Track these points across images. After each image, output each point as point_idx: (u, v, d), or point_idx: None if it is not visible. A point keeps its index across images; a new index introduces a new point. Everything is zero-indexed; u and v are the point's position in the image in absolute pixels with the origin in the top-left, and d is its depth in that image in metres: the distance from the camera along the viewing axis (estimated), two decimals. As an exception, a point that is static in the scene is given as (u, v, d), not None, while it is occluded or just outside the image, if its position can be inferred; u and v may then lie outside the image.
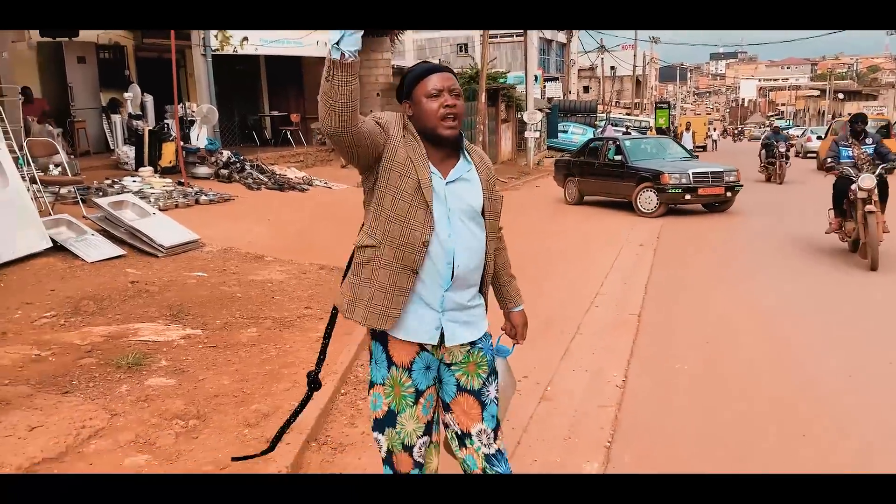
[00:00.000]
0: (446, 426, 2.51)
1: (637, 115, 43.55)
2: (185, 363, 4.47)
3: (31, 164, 8.07)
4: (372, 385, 2.45)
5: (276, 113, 18.27)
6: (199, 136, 13.05)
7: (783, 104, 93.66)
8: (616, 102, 56.17)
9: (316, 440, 3.58)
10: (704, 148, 37.15)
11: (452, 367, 2.43)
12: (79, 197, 8.31)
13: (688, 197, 12.19)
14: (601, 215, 12.91)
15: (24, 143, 8.04)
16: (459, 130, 2.32)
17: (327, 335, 2.56)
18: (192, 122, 12.98)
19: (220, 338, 5.02)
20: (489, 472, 2.45)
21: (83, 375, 4.18)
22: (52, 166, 9.44)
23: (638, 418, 4.06)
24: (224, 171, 11.87)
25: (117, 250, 7.05)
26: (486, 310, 2.52)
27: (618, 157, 13.37)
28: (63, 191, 8.58)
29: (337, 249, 7.98)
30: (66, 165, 9.15)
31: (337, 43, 1.99)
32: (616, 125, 31.97)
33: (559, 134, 30.31)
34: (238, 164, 12.34)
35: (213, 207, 9.69)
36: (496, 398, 2.49)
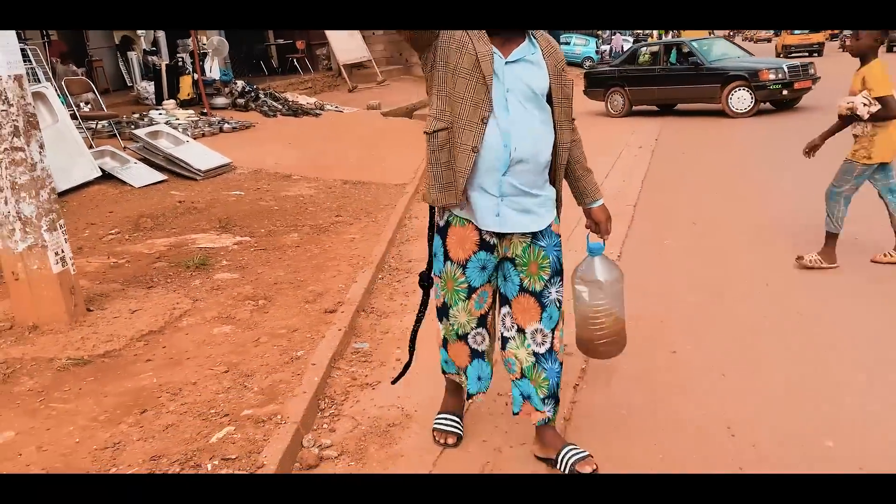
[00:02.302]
0: (502, 320, 2.56)
1: (639, 24, 43.11)
2: (242, 262, 5.22)
3: (70, 101, 8.69)
4: (434, 276, 2.58)
5: (281, 41, 18.60)
6: (212, 68, 13.52)
7: None
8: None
9: (364, 310, 4.34)
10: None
11: (517, 266, 2.43)
12: (115, 130, 8.95)
13: (785, 92, 12.22)
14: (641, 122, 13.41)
15: (63, 83, 8.63)
16: None
17: (431, 233, 2.56)
18: (205, 55, 13.44)
19: (268, 242, 5.75)
20: (534, 370, 2.50)
21: (160, 275, 4.94)
22: (82, 104, 10.07)
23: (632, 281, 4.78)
24: (240, 101, 12.42)
25: (159, 176, 7.76)
26: (560, 204, 2.53)
27: (687, 61, 13.27)
28: (98, 125, 9.21)
29: (356, 166, 8.72)
30: (97, 102, 9.77)
31: None
32: (615, 34, 31.89)
33: (562, 46, 30.29)
34: (252, 94, 12.86)
35: (235, 134, 10.31)
36: (559, 299, 2.49)
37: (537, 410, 2.60)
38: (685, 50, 13.60)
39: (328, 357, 3.54)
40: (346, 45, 17.11)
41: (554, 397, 2.60)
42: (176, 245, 5.68)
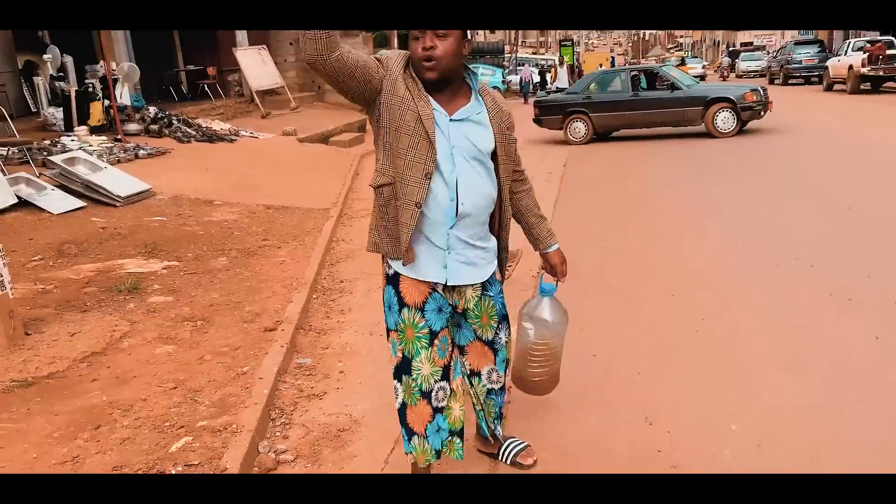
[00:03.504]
0: (456, 361, 2.58)
1: (542, 53, 44.67)
2: (174, 285, 5.30)
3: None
4: (388, 332, 2.49)
5: (192, 67, 18.44)
6: (123, 94, 13.34)
7: (682, 36, 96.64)
8: (523, 42, 57.08)
9: (303, 328, 4.52)
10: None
11: (469, 319, 2.51)
12: (28, 156, 8.77)
13: (762, 112, 13.23)
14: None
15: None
16: (452, 71, 2.30)
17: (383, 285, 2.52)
18: (115, 81, 13.24)
19: (197, 266, 5.84)
20: (487, 403, 2.67)
21: (92, 299, 4.97)
22: (-12, 130, 9.78)
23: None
24: (154, 127, 12.29)
25: (78, 202, 7.66)
26: (505, 255, 2.60)
27: (656, 87, 14.11)
28: (8, 152, 8.99)
29: (278, 191, 8.85)
30: (5, 128, 9.53)
31: None
32: (523, 65, 33.06)
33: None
34: (166, 119, 12.76)
35: (151, 161, 10.23)
36: (507, 342, 2.64)
37: (484, 435, 2.84)
38: (657, 75, 14.37)
39: (274, 371, 3.71)
40: (259, 71, 17.14)
41: (500, 416, 2.81)
42: (104, 270, 5.69)
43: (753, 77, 36.43)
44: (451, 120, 2.30)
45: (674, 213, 7.50)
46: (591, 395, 3.50)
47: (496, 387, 2.66)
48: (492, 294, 2.51)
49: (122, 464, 2.89)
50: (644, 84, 14.42)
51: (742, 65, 39.44)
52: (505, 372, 2.68)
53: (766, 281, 5.03)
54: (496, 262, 2.56)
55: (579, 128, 14.32)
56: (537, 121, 14.86)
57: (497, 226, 2.53)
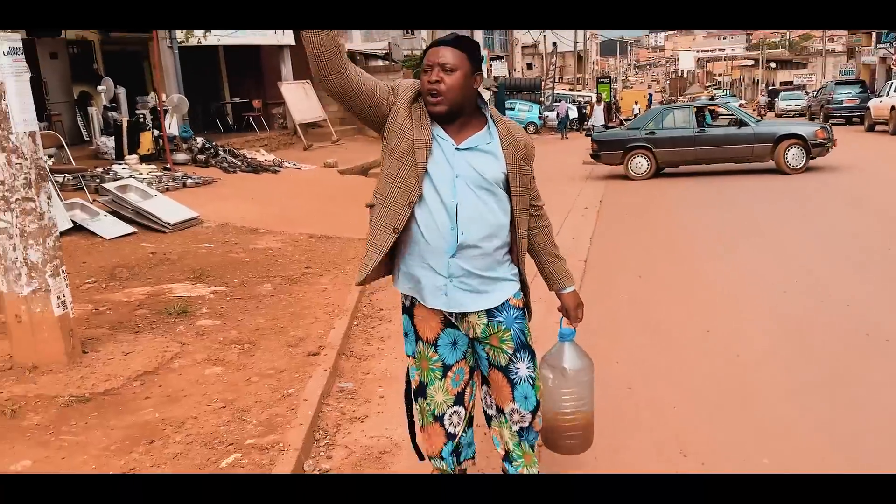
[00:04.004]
0: (483, 398, 2.55)
1: (580, 90, 44.98)
2: (222, 310, 5.49)
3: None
4: (407, 356, 2.53)
5: (237, 100, 19.01)
6: (171, 125, 13.82)
7: (720, 74, 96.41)
8: (560, 78, 57.53)
9: (344, 353, 4.66)
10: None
11: (482, 342, 2.42)
12: (82, 183, 9.15)
13: (829, 149, 13.49)
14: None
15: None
16: (458, 104, 2.28)
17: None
18: (165, 112, 13.73)
19: (243, 292, 6.03)
20: (519, 447, 2.47)
21: (144, 321, 5.18)
22: (45, 157, 10.21)
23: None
24: (201, 157, 12.71)
25: (129, 228, 7.97)
26: (525, 287, 2.49)
27: (722, 123, 14.39)
28: (64, 179, 9.37)
29: (320, 221, 9.07)
30: (62, 156, 9.95)
31: None
32: (560, 101, 33.35)
33: (506, 111, 31.51)
34: (212, 150, 13.17)
35: (199, 189, 10.58)
36: (531, 377, 2.43)
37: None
38: (721, 112, 14.64)
39: (318, 394, 3.85)
40: (302, 104, 17.62)
41: (534, 461, 2.60)
42: (154, 294, 5.91)
43: (793, 116, 36.26)
44: (457, 149, 2.29)
45: (711, 245, 7.55)
46: (625, 428, 3.57)
47: (524, 424, 2.47)
48: (501, 318, 2.38)
49: (175, 477, 3.03)
50: (708, 120, 14.42)
51: (781, 104, 39.27)
52: (532, 413, 2.47)
53: (803, 319, 5.06)
54: (512, 290, 2.43)
55: (641, 163, 14.26)
56: (595, 156, 14.77)
57: (512, 257, 2.45)
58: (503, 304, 2.39)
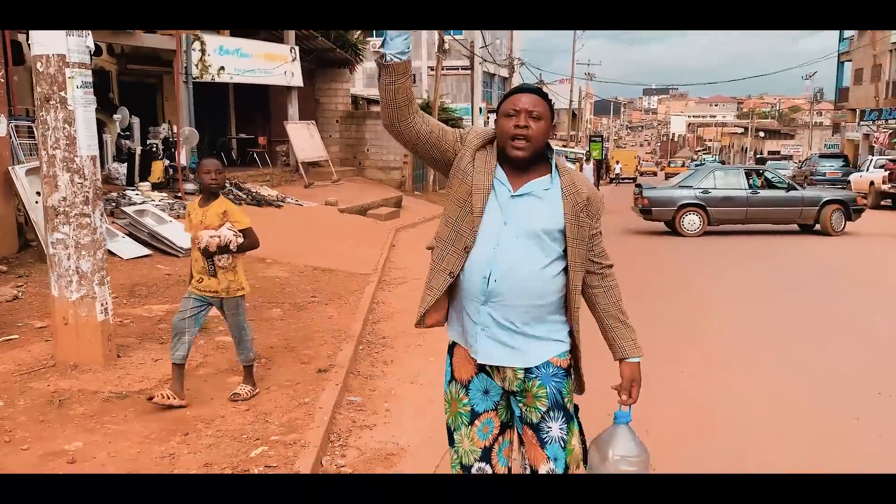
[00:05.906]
0: (521, 457, 2.39)
1: (573, 147, 46.07)
2: (237, 328, 5.95)
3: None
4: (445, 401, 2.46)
5: (243, 136, 19.63)
6: (182, 155, 14.37)
7: (710, 140, 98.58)
8: (553, 135, 58.89)
9: (352, 372, 5.12)
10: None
11: (517, 397, 2.32)
12: (100, 206, 9.62)
13: (861, 214, 14.92)
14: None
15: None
16: (538, 151, 2.26)
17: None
18: (175, 143, 14.30)
19: (255, 315, 6.48)
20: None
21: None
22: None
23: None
24: (208, 188, 13.21)
25: (145, 250, 8.45)
26: (575, 348, 2.33)
27: (769, 185, 15.02)
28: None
29: (322, 255, 9.58)
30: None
31: (381, 46, 2.08)
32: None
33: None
34: (219, 182, 13.68)
35: (207, 219, 11.06)
36: (563, 438, 2.28)
37: None
38: (768, 175, 15.40)
39: (331, 404, 4.30)
40: (306, 143, 18.24)
41: None
42: (172, 311, 6.33)
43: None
44: (511, 196, 2.24)
45: (732, 310, 8.08)
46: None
47: None
48: (536, 375, 2.26)
49: (211, 462, 3.48)
50: (755, 182, 15.03)
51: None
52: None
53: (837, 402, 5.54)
54: (555, 351, 2.31)
55: (694, 221, 14.72)
56: (645, 211, 15.16)
57: (563, 314, 2.33)
58: (544, 362, 2.29)
